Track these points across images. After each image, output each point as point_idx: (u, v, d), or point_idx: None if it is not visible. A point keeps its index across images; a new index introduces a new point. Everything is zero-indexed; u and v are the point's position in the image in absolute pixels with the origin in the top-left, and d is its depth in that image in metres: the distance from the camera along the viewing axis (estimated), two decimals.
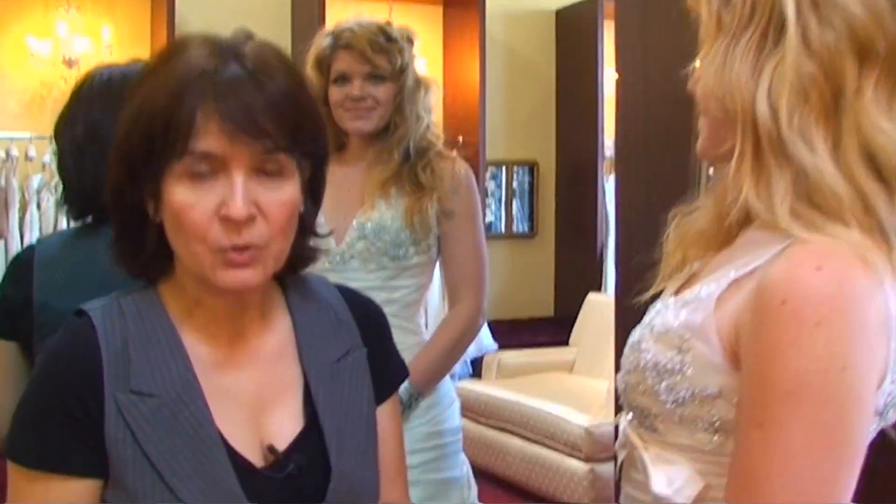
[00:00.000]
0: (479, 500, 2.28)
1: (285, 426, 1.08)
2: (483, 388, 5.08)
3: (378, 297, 1.29)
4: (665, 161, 2.09)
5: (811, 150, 0.92)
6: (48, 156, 4.42)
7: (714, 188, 1.11)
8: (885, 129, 0.93)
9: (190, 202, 0.97)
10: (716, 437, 0.96)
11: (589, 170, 5.93)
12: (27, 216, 4.66)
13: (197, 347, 1.05)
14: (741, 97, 0.95)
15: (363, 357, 1.15)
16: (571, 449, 4.42)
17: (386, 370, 1.20)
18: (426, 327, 2.38)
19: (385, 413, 1.18)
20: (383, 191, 2.13)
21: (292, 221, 1.02)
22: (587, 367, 5.28)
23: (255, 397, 1.07)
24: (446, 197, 2.12)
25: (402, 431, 1.24)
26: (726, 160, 0.99)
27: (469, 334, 2.21)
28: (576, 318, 5.59)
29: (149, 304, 1.06)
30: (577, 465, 4.37)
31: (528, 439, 4.70)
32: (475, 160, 5.11)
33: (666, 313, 1.01)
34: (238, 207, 0.95)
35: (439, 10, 5.77)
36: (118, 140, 1.02)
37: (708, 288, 0.98)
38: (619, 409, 2.13)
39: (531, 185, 6.16)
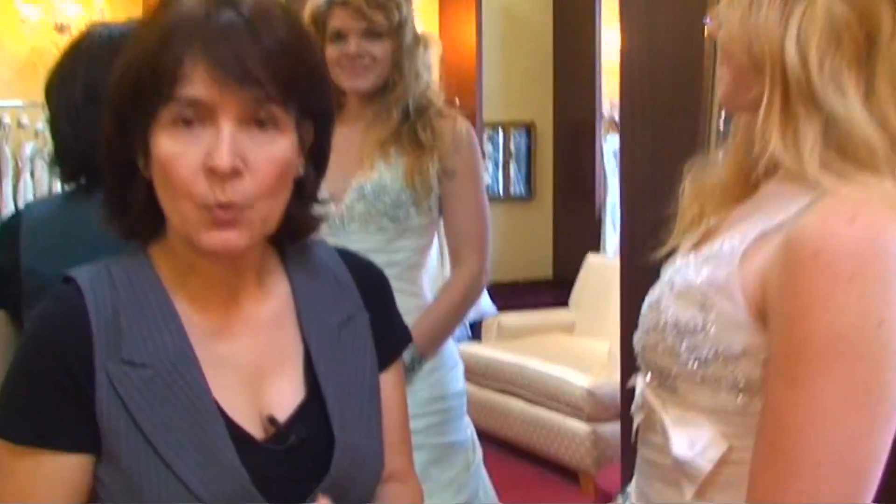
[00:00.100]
0: (483, 462, 2.25)
1: (285, 396, 1.04)
2: (483, 351, 5.06)
3: (379, 259, 1.25)
4: (672, 117, 2.05)
5: (843, 96, 0.88)
6: (41, 123, 4.36)
7: (733, 139, 1.07)
8: None
9: (176, 153, 0.93)
10: (740, 398, 0.92)
11: (587, 130, 5.88)
12: (21, 185, 4.62)
13: (191, 315, 1.01)
14: (769, 42, 0.90)
15: (366, 322, 1.11)
16: (573, 410, 4.41)
17: (388, 335, 1.15)
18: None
19: (388, 380, 1.14)
20: (382, 151, 2.08)
21: (282, 181, 0.97)
22: (587, 328, 5.26)
23: (253, 366, 1.03)
24: (447, 156, 2.07)
25: (405, 399, 1.20)
26: (751, 109, 0.95)
27: (472, 295, 2.17)
28: (575, 279, 5.57)
29: (139, 270, 1.02)
30: (579, 426, 4.36)
31: (530, 401, 4.69)
32: (472, 122, 5.01)
33: (686, 270, 0.97)
34: (222, 158, 0.91)
35: None
36: (109, 91, 0.98)
37: (731, 243, 0.93)
38: (626, 370, 2.12)
39: (528, 146, 6.10)
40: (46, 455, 0.95)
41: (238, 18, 0.93)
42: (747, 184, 1.03)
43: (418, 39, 2.14)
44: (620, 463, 2.21)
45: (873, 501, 0.86)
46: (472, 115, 5.22)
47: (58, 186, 4.07)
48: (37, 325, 0.99)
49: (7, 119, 4.59)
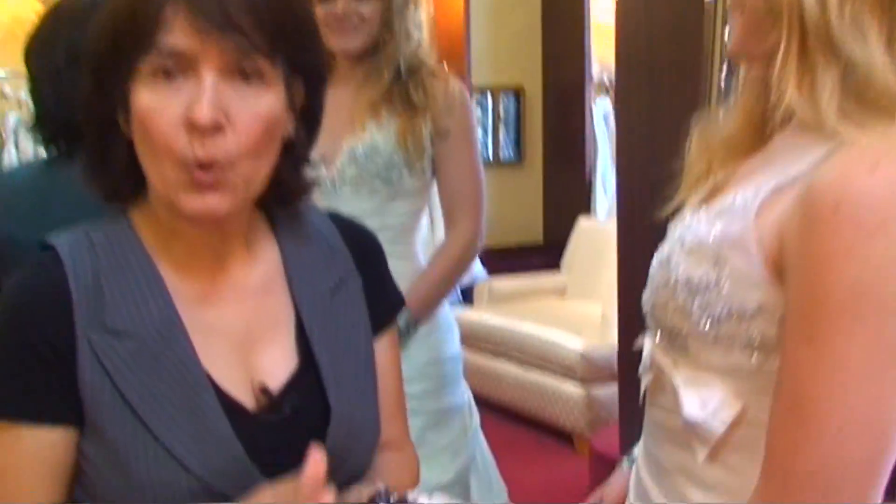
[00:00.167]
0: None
1: (277, 365, 1.00)
2: (475, 316, 5.04)
3: (371, 223, 1.21)
4: (670, 75, 2.01)
5: (863, 42, 0.84)
6: (24, 93, 4.28)
7: (742, 92, 1.04)
8: None
9: (156, 106, 0.88)
10: (755, 357, 0.89)
11: (576, 93, 5.84)
12: (5, 155, 4.55)
13: (176, 281, 0.97)
14: None
15: (358, 287, 1.08)
16: (567, 373, 4.41)
17: (382, 300, 1.12)
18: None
19: (382, 346, 1.11)
20: (374, 112, 2.04)
21: (268, 140, 0.93)
22: (579, 291, 5.24)
23: (242, 334, 0.99)
24: (440, 116, 2.03)
25: (400, 364, 1.16)
26: (764, 59, 0.91)
27: (468, 258, 2.14)
28: (565, 243, 5.55)
29: (121, 235, 0.97)
30: (573, 389, 4.37)
31: (523, 365, 4.69)
32: None
33: (697, 226, 0.94)
34: (203, 111, 0.86)
35: None
36: (88, 45, 0.94)
37: (744, 196, 0.90)
38: (626, 333, 2.11)
39: (517, 110, 6.06)
40: (26, 429, 0.91)
41: None
42: (756, 138, 1.00)
43: None
44: (619, 426, 2.20)
45: (884, 500, 0.84)
46: (461, 80, 5.13)
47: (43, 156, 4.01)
48: (14, 294, 0.95)
49: None
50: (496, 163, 5.97)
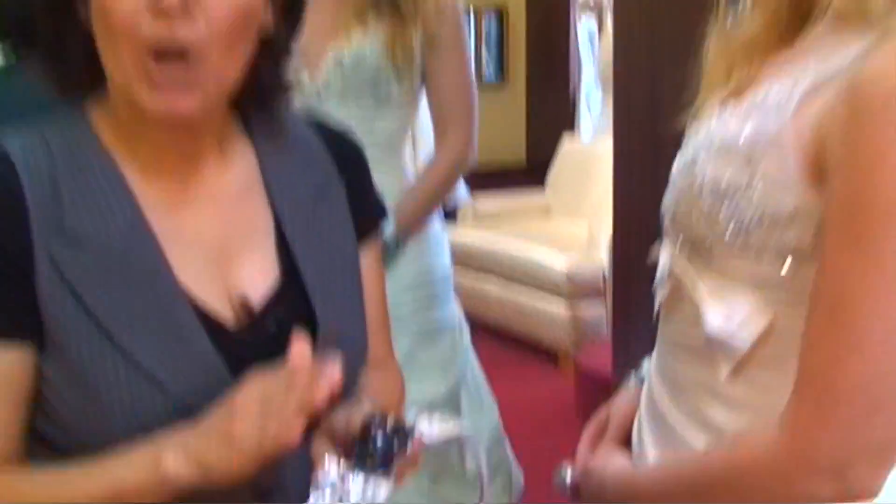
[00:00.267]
0: None
1: (257, 277, 0.92)
2: (460, 236, 4.98)
3: (358, 135, 1.13)
4: None
5: None
6: None
7: None
8: None
9: None
10: (787, 266, 0.83)
11: (560, 12, 5.74)
12: None
13: (142, 185, 0.88)
14: None
15: (342, 195, 1.00)
16: (552, 291, 4.38)
17: (365, 209, 1.04)
18: None
19: (365, 257, 1.03)
20: (359, 18, 1.94)
21: (242, 27, 0.84)
22: (564, 209, 5.19)
23: (217, 244, 0.91)
24: (431, 24, 1.93)
25: (384, 279, 1.10)
26: None
27: (458, 171, 2.07)
28: (549, 162, 5.48)
29: (79, 136, 0.88)
30: (558, 308, 4.35)
31: (508, 284, 4.66)
32: None
33: (726, 125, 0.87)
34: None
35: None
36: None
37: (778, 94, 0.83)
38: (622, 249, 2.06)
39: (500, 30, 5.96)
40: None
41: None
42: (780, 38, 0.93)
43: None
44: (612, 344, 2.16)
45: None
46: None
47: None
48: None
49: None
50: (479, 83, 5.79)
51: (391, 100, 1.96)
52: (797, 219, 0.81)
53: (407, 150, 2.06)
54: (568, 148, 5.38)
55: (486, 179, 5.40)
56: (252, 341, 0.89)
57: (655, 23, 1.97)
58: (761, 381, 0.87)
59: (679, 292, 0.94)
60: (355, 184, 1.02)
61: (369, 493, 0.74)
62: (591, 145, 5.35)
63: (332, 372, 0.79)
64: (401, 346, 1.93)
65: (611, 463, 1.03)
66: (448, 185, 2.09)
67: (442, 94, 2.01)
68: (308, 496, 0.93)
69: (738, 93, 0.91)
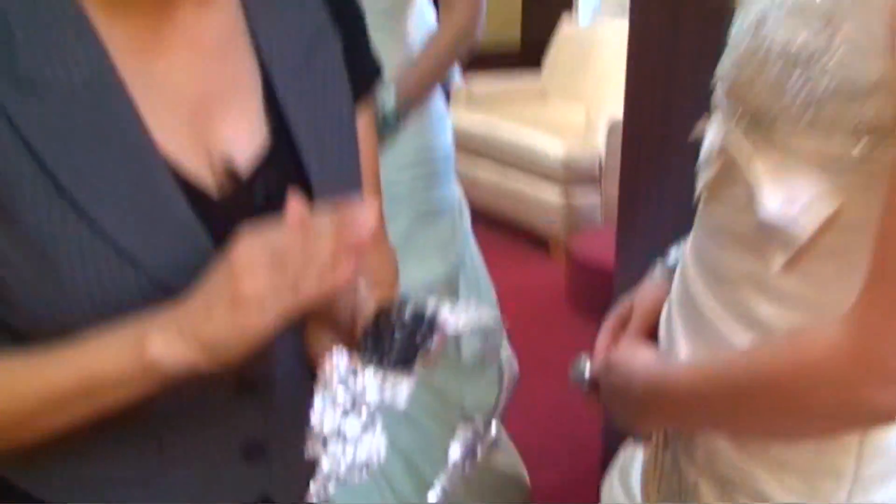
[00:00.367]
0: None
1: (242, 138, 0.79)
2: (453, 119, 4.82)
3: None
4: None
5: None
6: None
7: None
8: None
9: None
10: (862, 144, 0.73)
11: None
12: None
13: (107, 26, 0.73)
14: None
15: (337, 48, 0.86)
16: (546, 178, 4.28)
17: (360, 66, 0.90)
18: None
19: (359, 120, 0.90)
20: None
21: None
22: (561, 93, 5.03)
23: (196, 98, 0.77)
24: None
25: (377, 147, 0.98)
26: None
27: (465, 43, 1.93)
28: (546, 43, 5.28)
29: None
30: (552, 194, 4.25)
31: (502, 169, 4.55)
32: None
33: None
34: None
35: None
36: None
37: None
38: (633, 134, 1.94)
39: None
40: None
41: None
42: None
43: None
44: (616, 231, 2.07)
45: None
46: None
47: None
48: None
49: None
50: None
51: None
52: (879, 91, 0.70)
53: (411, 22, 1.91)
54: (566, 29, 5.18)
55: (480, 61, 5.22)
56: (238, 211, 0.76)
57: None
58: (819, 275, 0.78)
59: (730, 172, 0.84)
60: (351, 37, 0.89)
61: (388, 393, 0.64)
62: (589, 28, 5.15)
63: (370, 213, 0.65)
64: (398, 226, 1.85)
65: (638, 357, 0.95)
66: (451, 58, 1.95)
67: None
68: (297, 390, 0.84)
69: None
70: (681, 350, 0.91)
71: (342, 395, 0.63)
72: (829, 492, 0.82)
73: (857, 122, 0.72)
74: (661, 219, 1.95)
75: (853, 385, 0.70)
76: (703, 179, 0.90)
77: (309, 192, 0.81)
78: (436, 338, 0.66)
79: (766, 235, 0.79)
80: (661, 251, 1.97)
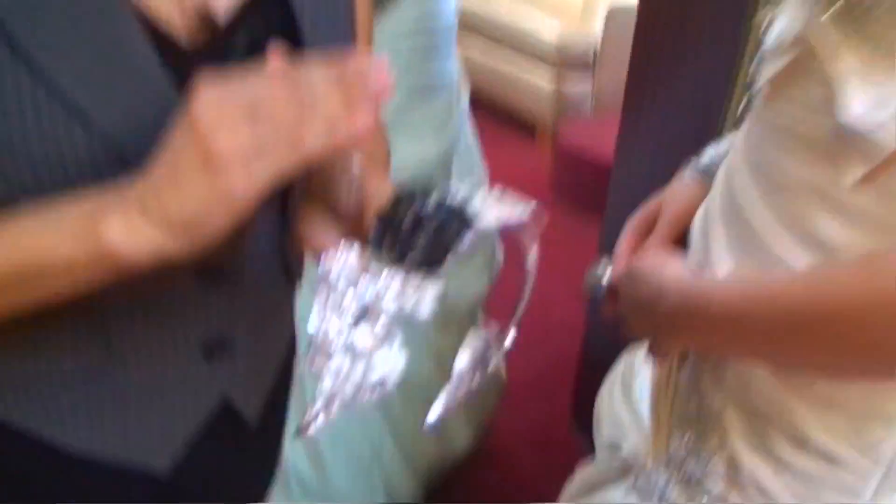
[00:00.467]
0: None
1: None
2: None
3: None
4: None
5: None
6: None
7: None
8: None
9: None
10: None
11: None
12: None
13: None
14: None
15: None
16: (539, 61, 4.10)
17: None
18: None
19: None
20: None
21: None
22: None
23: None
24: None
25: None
26: None
27: None
28: None
29: None
30: (544, 79, 4.09)
31: (492, 49, 4.36)
32: None
33: None
34: None
35: None
36: None
37: None
38: (647, 18, 1.80)
39: None
40: None
41: None
42: None
43: None
44: (621, 121, 1.94)
45: None
46: None
47: None
48: None
49: None
50: None
51: None
52: None
53: None
54: None
55: None
56: (213, 63, 0.60)
57: None
58: None
59: (805, 66, 0.72)
60: None
61: (409, 300, 0.52)
62: None
63: (382, 64, 0.52)
64: (392, 100, 1.70)
65: (669, 267, 0.84)
66: None
67: None
68: (268, 282, 0.72)
69: None
70: (720, 265, 0.81)
71: (351, 301, 0.52)
72: (875, 436, 0.74)
73: None
74: (670, 114, 1.83)
75: None
76: (767, 72, 0.78)
77: (298, 45, 0.68)
78: (468, 234, 0.54)
79: (842, 142, 0.68)
80: (667, 149, 1.86)
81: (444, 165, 1.79)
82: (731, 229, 0.81)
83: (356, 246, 0.54)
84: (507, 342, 0.64)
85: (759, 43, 0.82)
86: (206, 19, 0.64)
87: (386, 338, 0.52)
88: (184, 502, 0.78)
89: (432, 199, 0.55)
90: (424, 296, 0.52)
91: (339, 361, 0.52)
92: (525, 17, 4.21)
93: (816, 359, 0.72)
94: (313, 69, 0.51)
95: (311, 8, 0.69)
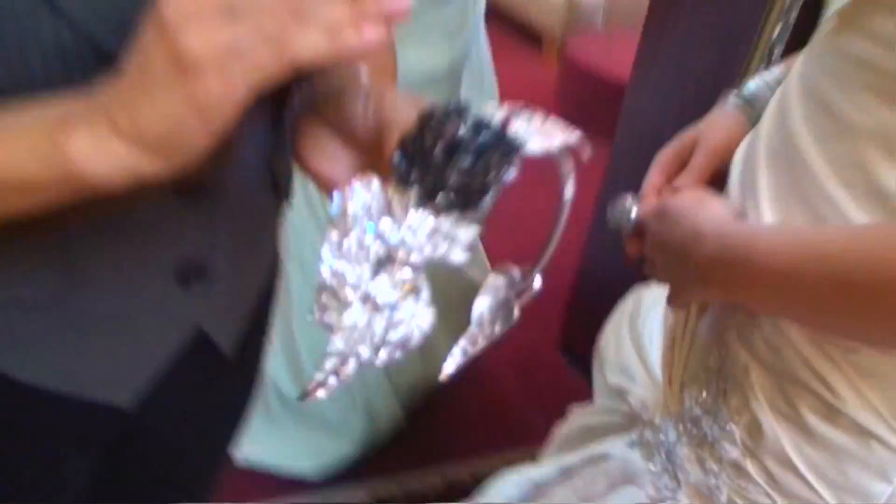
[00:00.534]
0: None
1: None
2: None
3: None
4: None
5: None
6: None
7: None
8: None
9: None
10: None
11: None
12: None
13: None
14: None
15: None
16: None
17: None
18: None
19: None
20: None
21: None
22: None
23: None
24: None
25: None
26: None
27: None
28: None
29: None
30: None
31: None
32: None
33: None
34: None
35: None
36: None
37: None
38: None
39: None
40: None
41: None
42: None
43: None
44: (641, 38, 1.83)
45: None
46: None
47: None
48: None
49: None
50: None
51: None
52: None
53: None
54: None
55: None
56: None
57: None
58: None
59: None
60: None
61: (441, 243, 0.43)
62: None
63: None
64: None
65: (707, 209, 0.75)
66: None
67: None
68: (252, 202, 0.63)
69: None
70: (766, 211, 0.72)
71: (372, 244, 0.43)
72: None
73: None
74: (694, 40, 1.71)
75: None
76: (838, 0, 0.68)
77: None
78: (515, 163, 0.45)
79: None
80: (687, 77, 1.75)
81: (454, 75, 1.68)
82: (778, 174, 0.72)
83: (375, 180, 0.45)
84: (536, 285, 0.55)
85: None
86: None
87: (411, 290, 0.43)
88: (153, 438, 0.71)
89: (469, 120, 0.45)
90: (460, 238, 0.43)
91: (354, 316, 0.43)
92: None
93: (867, 328, 0.64)
94: None
95: None
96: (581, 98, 3.38)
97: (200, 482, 0.83)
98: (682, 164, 0.86)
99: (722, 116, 0.87)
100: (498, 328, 0.55)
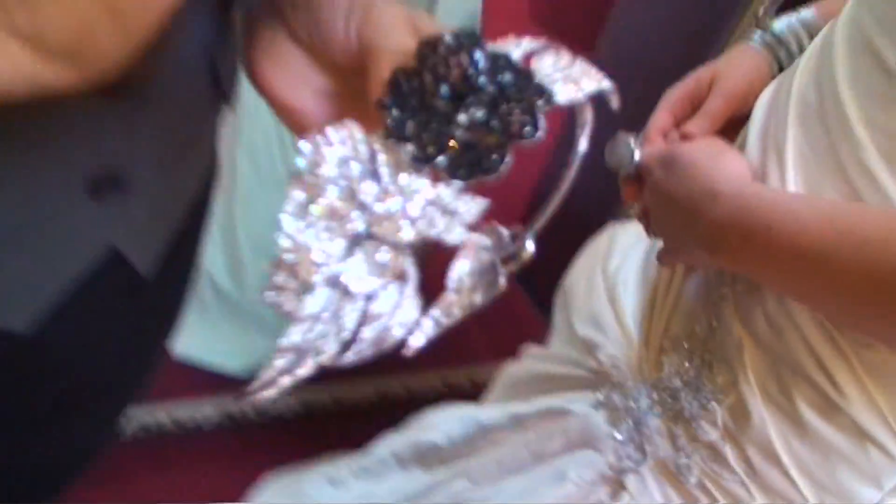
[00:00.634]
0: None
1: None
2: None
3: None
4: None
5: None
6: None
7: None
8: None
9: None
10: None
11: None
12: None
13: None
14: None
15: None
16: None
17: None
18: None
19: None
20: None
21: None
22: None
23: None
24: None
25: None
26: None
27: None
28: None
29: None
30: None
31: None
32: None
33: None
34: None
35: None
36: None
37: None
38: None
39: None
40: None
41: None
42: None
43: None
44: None
45: None
46: None
47: None
48: None
49: None
50: None
51: None
52: None
53: None
54: None
55: None
56: None
57: None
58: None
59: None
60: None
61: (438, 219, 0.33)
62: None
63: None
64: None
65: (725, 164, 0.65)
66: None
67: None
68: (182, 106, 0.52)
69: None
70: (790, 174, 0.63)
71: (347, 212, 0.32)
72: None
73: None
74: None
75: None
76: None
77: None
78: (543, 113, 0.34)
79: None
80: None
81: None
82: (809, 135, 0.62)
83: (356, 128, 0.34)
84: (529, 248, 0.45)
85: None
86: None
87: (395, 276, 0.33)
88: (52, 364, 0.60)
89: (482, 53, 0.34)
90: (458, 215, 0.33)
91: (318, 302, 0.33)
92: None
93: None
94: None
95: None
96: (552, 5, 3.24)
97: (116, 407, 0.74)
98: (693, 108, 0.76)
99: (745, 55, 0.76)
100: (479, 297, 0.45)
